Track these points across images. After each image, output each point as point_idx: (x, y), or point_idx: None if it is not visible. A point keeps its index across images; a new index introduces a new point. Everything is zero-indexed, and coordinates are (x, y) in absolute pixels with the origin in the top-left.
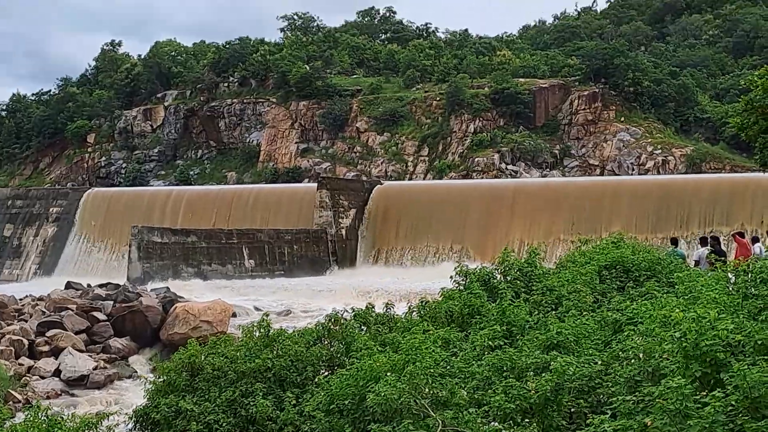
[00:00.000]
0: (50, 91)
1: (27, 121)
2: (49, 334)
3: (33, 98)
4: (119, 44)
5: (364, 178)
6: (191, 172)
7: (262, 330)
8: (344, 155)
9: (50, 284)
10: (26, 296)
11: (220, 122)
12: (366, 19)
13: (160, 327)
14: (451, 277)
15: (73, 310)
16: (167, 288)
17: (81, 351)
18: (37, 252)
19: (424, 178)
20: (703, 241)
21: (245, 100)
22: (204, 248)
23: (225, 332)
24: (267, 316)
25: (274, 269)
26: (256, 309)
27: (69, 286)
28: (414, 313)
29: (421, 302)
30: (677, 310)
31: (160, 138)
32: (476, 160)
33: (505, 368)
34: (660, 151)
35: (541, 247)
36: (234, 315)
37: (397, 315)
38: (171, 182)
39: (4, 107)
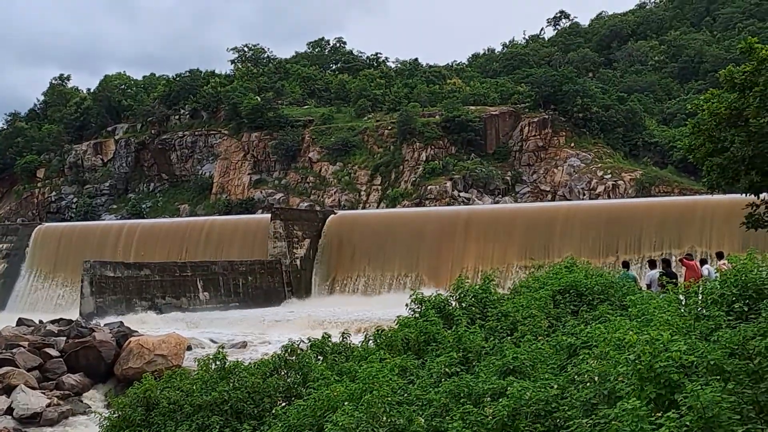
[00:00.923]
0: None
1: None
2: (0, 371)
3: None
4: (68, 78)
5: (318, 208)
6: (143, 206)
7: (217, 362)
8: (297, 185)
9: (1, 321)
10: None
11: (171, 155)
12: (316, 50)
13: (114, 362)
14: (406, 304)
15: (24, 347)
16: (121, 322)
17: (34, 388)
18: None
19: (377, 207)
20: (652, 264)
21: (197, 132)
22: (158, 281)
23: (180, 366)
24: (222, 348)
25: (229, 301)
26: (212, 341)
27: (20, 322)
28: (370, 341)
29: (377, 330)
30: (631, 333)
31: (111, 172)
32: (429, 188)
33: (462, 394)
34: (610, 175)
35: (495, 273)
36: (189, 348)
37: (353, 344)
38: (123, 216)
39: None
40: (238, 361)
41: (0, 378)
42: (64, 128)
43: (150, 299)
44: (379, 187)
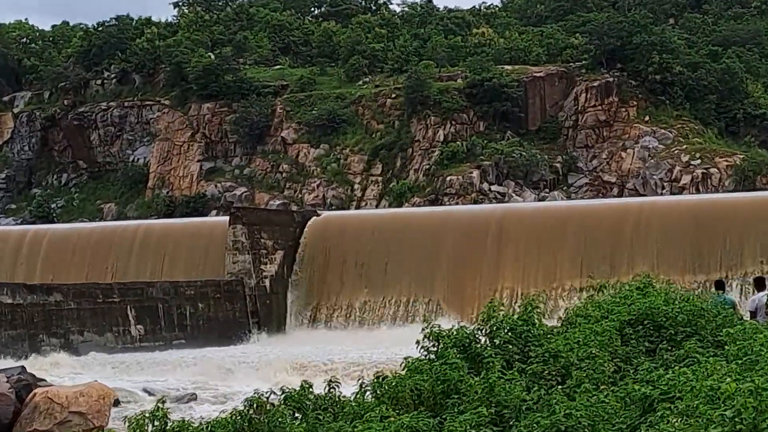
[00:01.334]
0: None
1: None
2: None
3: None
4: None
5: (295, 208)
6: (53, 205)
7: (156, 423)
8: (266, 177)
9: None
10: None
11: (91, 134)
12: None
13: (14, 422)
14: (417, 342)
15: None
16: (22, 368)
17: None
18: None
19: (376, 206)
20: (759, 284)
21: (126, 104)
22: (73, 310)
23: (104, 427)
24: (163, 403)
25: (172, 337)
26: (148, 393)
27: None
28: (368, 393)
29: (377, 378)
30: (728, 380)
31: (9, 158)
32: (448, 179)
33: None
34: (699, 161)
35: (540, 297)
36: (116, 403)
37: (344, 397)
38: (25, 219)
39: None
40: (184, 421)
41: None
42: None
43: (63, 335)
44: (380, 179)
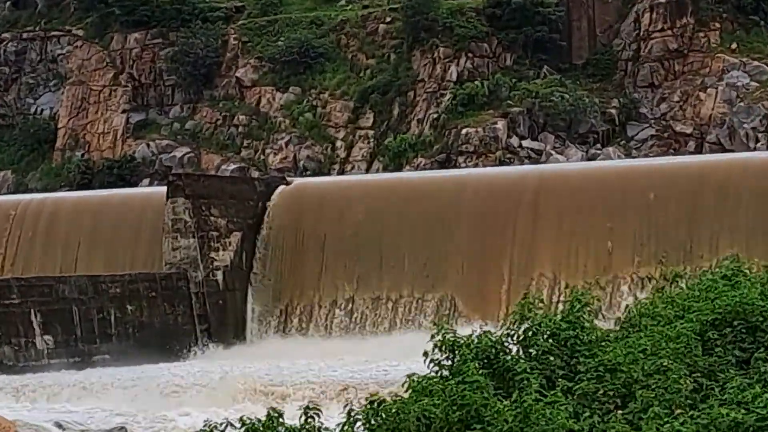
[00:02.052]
0: None
1: None
2: None
3: None
4: None
5: (256, 175)
6: None
7: None
8: (216, 133)
9: None
10: None
11: None
12: None
13: None
14: (425, 353)
15: None
16: None
17: None
18: None
19: (367, 171)
20: None
21: (25, 35)
22: None
23: None
24: None
25: (92, 351)
26: (60, 427)
27: None
28: (358, 423)
29: (371, 403)
30: None
31: None
32: (464, 132)
33: None
34: None
35: (591, 290)
36: None
37: (326, 428)
38: None
39: None
40: None
41: None
42: None
43: None
44: (371, 133)
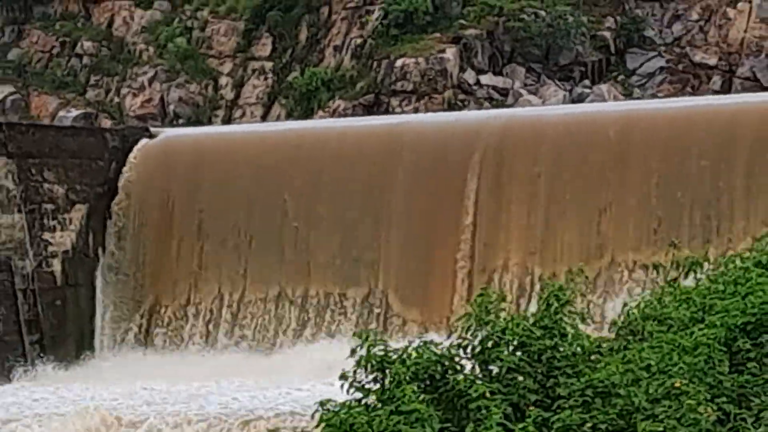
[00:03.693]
0: None
1: None
2: None
3: None
4: None
5: (109, 124)
6: None
7: None
8: (51, 65)
9: None
10: None
11: None
12: None
13: None
14: (342, 375)
15: None
16: None
17: None
18: None
19: (264, 118)
20: None
21: None
22: None
23: None
24: None
25: None
26: None
27: None
28: None
29: None
30: None
31: None
32: (399, 63)
33: None
34: None
35: (575, 282)
36: None
37: None
38: None
39: None
40: None
41: None
42: None
43: None
44: (268, 66)
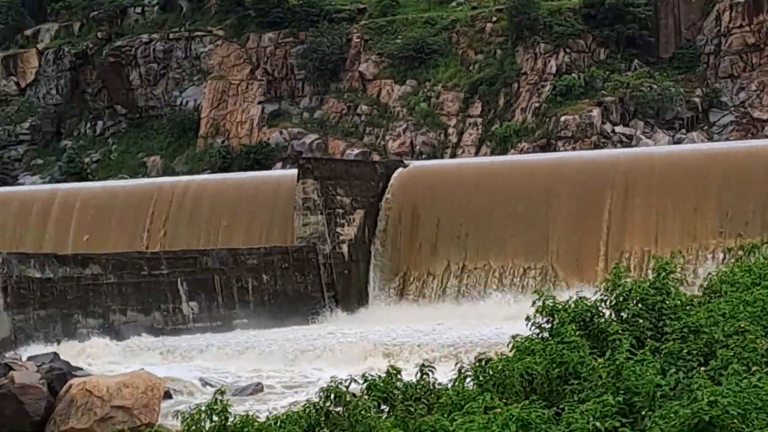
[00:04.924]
0: None
1: None
2: None
3: None
4: None
5: (377, 158)
6: (87, 159)
7: (215, 418)
8: (341, 121)
9: None
10: None
11: (131, 74)
12: None
13: (46, 419)
14: (527, 318)
15: None
16: (55, 354)
17: None
18: None
19: (476, 154)
20: None
21: (172, 35)
22: (113, 285)
23: (153, 424)
24: (222, 394)
25: (232, 316)
26: (204, 383)
27: None
28: (468, 379)
29: (479, 361)
30: None
31: (33, 104)
32: (563, 119)
33: None
34: None
35: (677, 260)
36: (168, 395)
37: (439, 384)
38: (53, 177)
39: None
40: (248, 417)
41: None
42: None
43: (102, 315)
44: (479, 121)
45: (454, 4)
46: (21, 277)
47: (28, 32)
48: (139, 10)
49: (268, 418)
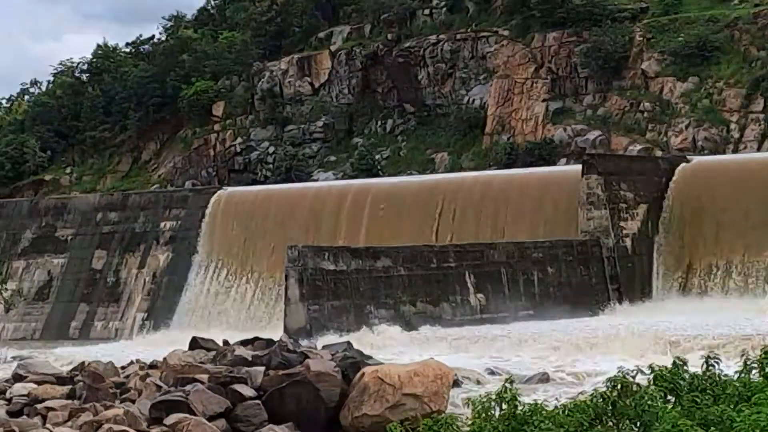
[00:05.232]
0: (153, 37)
1: (120, 88)
2: (169, 420)
3: (127, 50)
4: None
5: (659, 154)
6: (377, 156)
7: (505, 406)
8: (624, 117)
9: (165, 342)
10: (131, 362)
11: (419, 73)
12: None
13: (341, 406)
14: None
15: (203, 383)
16: (348, 343)
17: None
18: (143, 293)
19: (758, 150)
20: None
21: (459, 36)
22: (404, 277)
23: (443, 411)
24: (511, 383)
25: (517, 307)
26: (492, 373)
27: (195, 344)
28: (755, 371)
29: (766, 353)
30: None
31: (327, 103)
32: None
33: None
34: None
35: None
36: (456, 384)
37: (725, 376)
38: (345, 173)
39: (85, 66)
40: (536, 404)
41: (168, 430)
42: (253, 36)
43: (392, 306)
44: (761, 117)
45: (736, 1)
46: (316, 270)
47: (321, 35)
48: (427, 11)
49: (555, 407)
